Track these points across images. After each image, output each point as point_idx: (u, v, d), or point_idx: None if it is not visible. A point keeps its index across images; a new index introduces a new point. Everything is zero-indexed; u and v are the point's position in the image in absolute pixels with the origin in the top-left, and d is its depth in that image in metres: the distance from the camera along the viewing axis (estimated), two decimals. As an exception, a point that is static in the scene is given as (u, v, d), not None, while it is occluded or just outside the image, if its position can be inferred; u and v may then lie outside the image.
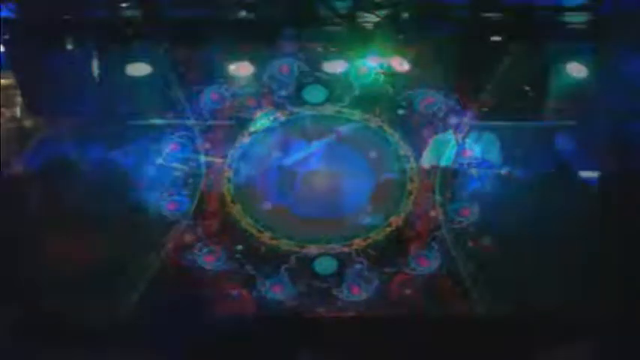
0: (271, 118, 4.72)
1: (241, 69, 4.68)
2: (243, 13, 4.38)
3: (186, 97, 4.69)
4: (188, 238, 4.64)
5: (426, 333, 4.32)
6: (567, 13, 4.35)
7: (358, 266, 4.66)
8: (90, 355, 4.18)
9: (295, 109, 4.72)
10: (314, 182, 4.70)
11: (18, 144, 4.83)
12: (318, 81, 4.71)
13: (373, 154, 4.73)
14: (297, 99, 4.71)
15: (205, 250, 4.65)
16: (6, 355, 3.95)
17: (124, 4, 4.36)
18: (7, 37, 4.33)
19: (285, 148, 4.73)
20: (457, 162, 4.70)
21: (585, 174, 4.69)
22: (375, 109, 4.73)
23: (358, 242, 4.66)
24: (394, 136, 4.71)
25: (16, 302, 4.16)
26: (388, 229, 4.67)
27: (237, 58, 4.63)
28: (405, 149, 4.71)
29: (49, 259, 4.31)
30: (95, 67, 4.53)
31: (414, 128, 4.74)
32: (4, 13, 4.30)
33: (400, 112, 4.73)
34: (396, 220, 4.66)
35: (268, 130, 4.72)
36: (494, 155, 4.76)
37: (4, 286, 4.10)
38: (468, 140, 4.70)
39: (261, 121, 4.72)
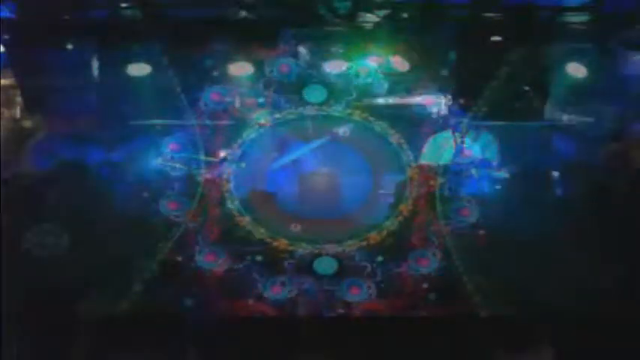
0: (271, 118, 4.72)
1: (241, 69, 4.68)
2: (243, 13, 4.37)
3: (187, 97, 4.69)
4: (188, 238, 4.64)
5: (426, 333, 4.33)
6: (567, 13, 4.35)
7: (358, 266, 4.66)
8: (91, 354, 4.19)
9: (295, 109, 4.72)
10: (319, 183, 4.70)
11: (18, 144, 4.83)
12: (318, 81, 4.71)
13: (374, 154, 4.73)
14: (297, 99, 4.71)
15: (205, 250, 4.65)
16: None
17: (124, 4, 4.36)
18: (7, 37, 4.33)
19: (286, 149, 4.73)
20: (457, 162, 4.70)
21: (585, 174, 4.68)
22: (374, 108, 4.73)
23: (374, 237, 4.66)
24: (394, 136, 4.71)
25: (16, 302, 4.16)
26: (400, 218, 4.66)
27: (237, 58, 4.63)
28: (404, 149, 4.71)
29: (48, 259, 4.31)
30: (95, 67, 4.53)
31: (414, 128, 4.74)
32: (4, 13, 4.29)
33: (400, 111, 4.73)
34: (405, 207, 4.66)
35: (268, 131, 4.72)
36: (494, 155, 4.76)
37: (4, 285, 4.11)
38: (467, 140, 4.70)
39: (262, 121, 4.71)
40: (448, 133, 4.70)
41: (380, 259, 4.63)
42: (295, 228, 4.65)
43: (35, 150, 4.83)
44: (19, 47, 4.32)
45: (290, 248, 4.65)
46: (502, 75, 4.29)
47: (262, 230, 4.67)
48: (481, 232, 4.59)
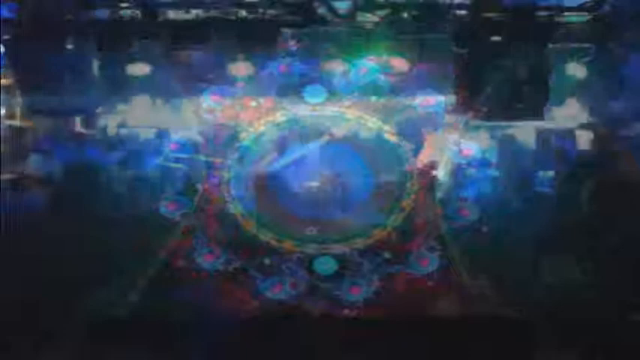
0: (272, 118, 4.72)
1: (241, 69, 4.69)
2: (243, 13, 4.38)
3: (186, 97, 4.70)
4: (188, 238, 4.64)
5: (426, 333, 4.33)
6: (567, 13, 4.36)
7: (358, 266, 4.66)
8: (91, 353, 4.19)
9: (296, 109, 4.72)
10: (321, 184, 4.70)
11: (18, 144, 4.84)
12: (318, 81, 4.72)
13: (374, 152, 4.73)
14: (297, 99, 4.71)
15: (205, 250, 4.64)
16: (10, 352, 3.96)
17: (124, 4, 4.37)
18: (7, 37, 4.34)
19: (287, 149, 4.73)
20: (457, 162, 4.71)
21: (584, 173, 4.69)
22: (374, 108, 4.74)
23: (379, 233, 4.66)
24: (394, 135, 4.71)
25: (16, 301, 4.16)
26: (404, 213, 4.66)
27: (237, 58, 4.63)
28: (404, 148, 4.71)
29: (49, 259, 4.31)
30: (95, 67, 4.54)
31: (414, 128, 4.74)
32: (4, 13, 4.30)
33: (400, 111, 4.74)
34: (408, 203, 4.66)
35: (269, 132, 4.72)
36: (494, 155, 4.76)
37: (5, 285, 4.11)
38: (467, 140, 4.71)
39: (262, 122, 4.72)
40: (448, 133, 4.71)
41: (384, 256, 4.64)
42: (311, 232, 4.66)
43: (34, 150, 4.84)
44: (19, 47, 4.32)
45: (294, 249, 4.65)
46: (502, 75, 4.29)
47: (265, 232, 4.67)
48: (481, 230, 4.60)
